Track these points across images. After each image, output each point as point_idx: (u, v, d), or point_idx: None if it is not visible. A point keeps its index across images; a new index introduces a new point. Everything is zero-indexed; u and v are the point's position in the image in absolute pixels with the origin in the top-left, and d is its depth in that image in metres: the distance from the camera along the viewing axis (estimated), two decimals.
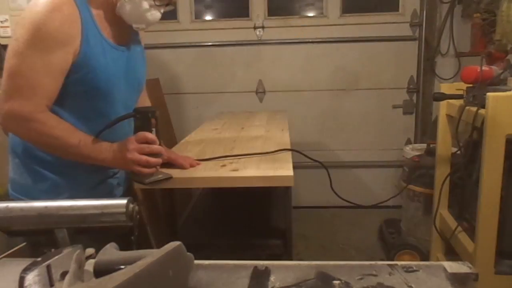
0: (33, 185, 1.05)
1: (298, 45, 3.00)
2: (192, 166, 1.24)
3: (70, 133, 0.98)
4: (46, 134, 0.96)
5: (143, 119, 1.04)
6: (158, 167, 1.09)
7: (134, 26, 1.06)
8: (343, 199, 1.68)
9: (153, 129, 1.04)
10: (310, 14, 3.05)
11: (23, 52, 0.91)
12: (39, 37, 0.91)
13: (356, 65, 2.98)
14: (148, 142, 1.01)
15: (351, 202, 1.75)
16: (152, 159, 1.02)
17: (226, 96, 3.09)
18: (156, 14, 1.05)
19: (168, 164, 1.22)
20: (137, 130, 1.03)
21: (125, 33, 1.11)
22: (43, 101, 0.96)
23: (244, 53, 3.03)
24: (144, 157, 1.01)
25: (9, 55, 0.93)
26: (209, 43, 3.03)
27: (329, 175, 1.49)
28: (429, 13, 2.86)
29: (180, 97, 3.11)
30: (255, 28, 2.99)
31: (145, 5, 1.02)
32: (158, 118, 1.06)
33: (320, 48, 2.99)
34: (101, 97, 1.05)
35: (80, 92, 1.01)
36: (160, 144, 1.05)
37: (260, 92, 3.10)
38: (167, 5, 1.06)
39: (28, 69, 0.92)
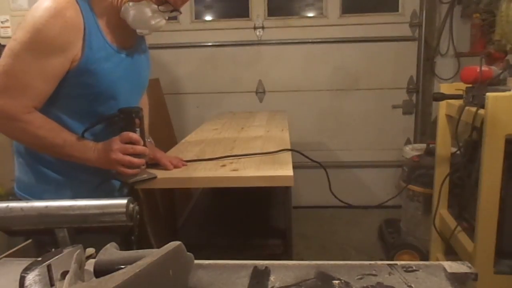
0: (37, 184, 1.06)
1: (298, 45, 3.00)
2: (176, 167, 1.24)
3: (55, 133, 0.98)
4: (31, 134, 0.96)
5: (127, 119, 1.04)
6: (143, 166, 1.10)
7: (138, 31, 1.05)
8: (341, 201, 1.68)
9: (137, 129, 1.04)
10: (310, 14, 3.05)
11: (19, 53, 0.92)
12: (37, 41, 0.91)
13: (356, 65, 2.98)
14: (132, 142, 1.02)
15: (349, 204, 1.75)
16: (135, 160, 1.02)
17: (226, 96, 3.09)
18: (160, 21, 1.04)
19: (155, 164, 1.23)
20: (121, 130, 1.03)
21: (130, 36, 1.10)
22: (31, 103, 0.96)
23: (244, 53, 3.04)
24: (127, 158, 1.01)
25: (5, 53, 0.93)
26: (209, 43, 3.03)
27: (328, 177, 1.49)
28: (429, 13, 2.86)
29: (180, 97, 3.11)
30: (255, 28, 2.99)
31: (149, 11, 1.01)
32: (142, 118, 1.06)
33: (320, 48, 2.99)
34: (103, 101, 1.05)
35: (82, 96, 1.02)
36: (144, 144, 1.05)
37: (260, 92, 3.10)
38: (171, 11, 1.05)
39: (21, 71, 0.92)
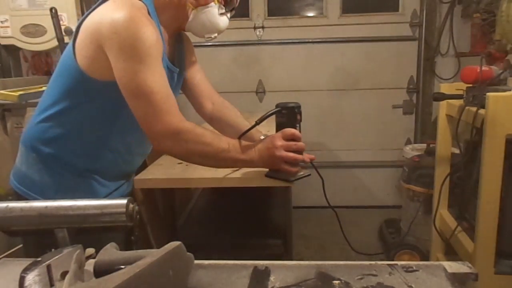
0: (52, 185, 1.01)
1: (298, 45, 3.00)
2: (312, 159, 1.16)
3: (218, 137, 0.97)
4: (199, 142, 0.94)
5: (289, 115, 1.02)
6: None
7: (207, 36, 1.05)
8: (333, 206, 1.61)
9: (297, 125, 1.02)
10: (310, 14, 3.05)
11: (139, 69, 0.87)
12: (144, 50, 0.87)
13: (356, 65, 2.98)
14: (295, 139, 1.00)
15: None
16: (300, 156, 1.01)
17: (226, 96, 3.03)
18: (225, 20, 1.04)
19: None
20: (281, 126, 1.02)
21: (175, 52, 1.09)
22: (178, 110, 0.93)
23: (244, 53, 3.03)
24: (292, 155, 0.99)
25: (127, 79, 0.88)
26: (209, 43, 3.02)
27: (322, 178, 1.46)
28: (429, 13, 2.86)
29: (180, 97, 3.06)
30: (255, 28, 2.99)
31: (217, 12, 1.00)
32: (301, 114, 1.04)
33: (320, 48, 2.99)
34: None
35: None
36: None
37: (260, 92, 3.10)
38: (231, 10, 1.05)
39: (154, 83, 0.89)
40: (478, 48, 2.38)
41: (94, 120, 0.98)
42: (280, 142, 0.99)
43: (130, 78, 0.88)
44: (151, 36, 0.89)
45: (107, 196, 1.09)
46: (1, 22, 2.14)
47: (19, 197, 1.02)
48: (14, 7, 2.14)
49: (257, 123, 1.03)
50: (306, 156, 1.15)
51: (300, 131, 1.03)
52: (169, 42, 1.04)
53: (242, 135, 1.02)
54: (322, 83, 3.04)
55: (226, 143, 0.97)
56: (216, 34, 1.06)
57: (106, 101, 0.95)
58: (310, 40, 2.98)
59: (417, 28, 2.91)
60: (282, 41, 2.99)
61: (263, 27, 2.99)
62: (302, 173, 1.08)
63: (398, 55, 2.95)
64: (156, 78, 0.90)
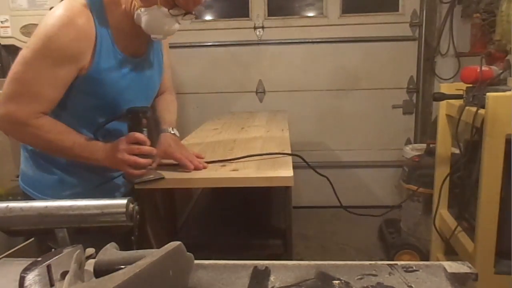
0: (40, 179, 1.09)
1: (298, 45, 3.00)
2: (196, 168, 1.19)
3: (64, 136, 1.00)
4: (41, 138, 0.98)
5: (134, 119, 1.03)
6: (152, 166, 1.09)
7: (152, 36, 1.04)
8: (332, 206, 1.64)
9: (144, 130, 1.03)
10: (310, 14, 3.05)
11: (31, 61, 0.93)
12: (48, 49, 0.92)
13: (356, 65, 2.98)
14: (139, 142, 1.01)
15: (348, 207, 1.74)
16: (141, 160, 1.02)
17: (226, 96, 3.09)
18: (173, 25, 1.03)
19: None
20: (130, 130, 1.03)
21: (142, 44, 1.10)
22: (40, 108, 0.97)
23: (244, 53, 3.04)
24: (133, 158, 1.01)
25: (17, 60, 0.94)
26: (209, 43, 3.03)
27: (331, 184, 1.47)
28: (429, 13, 2.86)
29: (180, 97, 3.10)
30: (255, 28, 2.99)
31: (161, 16, 0.99)
32: (150, 119, 1.05)
33: (320, 48, 2.99)
34: (109, 109, 1.06)
35: (87, 104, 1.04)
36: (152, 145, 1.04)
37: (260, 92, 3.10)
38: (184, 14, 1.03)
39: (32, 79, 0.94)
40: (478, 48, 2.38)
41: (62, 117, 1.03)
42: (122, 146, 1.00)
43: (19, 61, 0.94)
44: (66, 40, 0.92)
45: (96, 187, 1.13)
46: (1, 22, 2.14)
47: (23, 195, 1.10)
48: (14, 7, 2.14)
49: (98, 129, 1.05)
50: (189, 161, 1.17)
51: (150, 136, 1.04)
52: (128, 33, 1.04)
53: (95, 133, 1.05)
54: (322, 83, 3.04)
55: (71, 141, 1.00)
56: (161, 36, 1.04)
57: (68, 95, 1.00)
58: (310, 40, 2.98)
59: (417, 28, 2.91)
60: (282, 41, 2.99)
61: (263, 27, 2.99)
62: (152, 176, 1.09)
63: (398, 55, 2.95)
64: (38, 75, 0.94)
